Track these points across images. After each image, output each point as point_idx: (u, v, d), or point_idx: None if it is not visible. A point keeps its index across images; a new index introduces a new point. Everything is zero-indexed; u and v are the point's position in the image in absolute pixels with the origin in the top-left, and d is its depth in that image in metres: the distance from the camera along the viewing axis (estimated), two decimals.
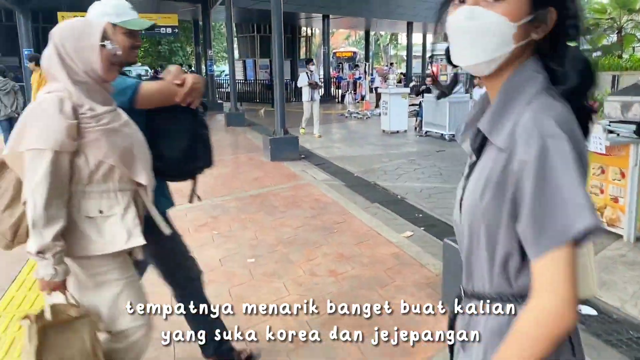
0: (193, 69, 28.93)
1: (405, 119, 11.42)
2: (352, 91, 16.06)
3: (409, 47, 27.17)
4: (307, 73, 10.63)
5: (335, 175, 6.91)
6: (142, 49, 40.01)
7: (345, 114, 15.66)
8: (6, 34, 18.68)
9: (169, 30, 15.75)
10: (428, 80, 11.76)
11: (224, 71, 39.80)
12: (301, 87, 10.95)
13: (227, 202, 5.58)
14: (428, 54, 35.79)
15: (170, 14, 15.96)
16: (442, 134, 10.30)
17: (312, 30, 29.42)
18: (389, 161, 7.94)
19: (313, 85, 10.60)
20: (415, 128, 11.68)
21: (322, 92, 15.86)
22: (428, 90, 11.33)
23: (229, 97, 24.27)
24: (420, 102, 11.48)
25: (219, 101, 19.54)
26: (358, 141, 10.26)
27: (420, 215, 5.04)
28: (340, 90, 21.97)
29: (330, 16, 22.23)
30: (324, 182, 6.50)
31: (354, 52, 41.49)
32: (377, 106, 16.77)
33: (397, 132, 11.34)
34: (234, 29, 26.51)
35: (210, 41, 18.21)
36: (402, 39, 60.96)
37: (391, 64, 27.76)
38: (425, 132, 10.64)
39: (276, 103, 8.31)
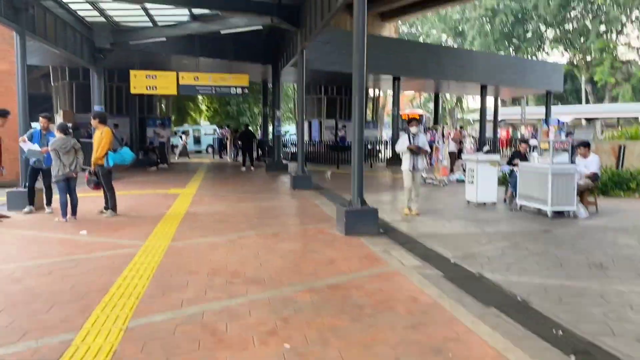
0: (258, 128, 29.02)
1: (495, 189, 10.08)
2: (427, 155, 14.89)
3: (482, 110, 25.93)
4: (408, 135, 8.85)
5: (427, 261, 5.67)
6: (211, 109, 41.18)
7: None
8: (82, 91, 19.20)
9: (239, 90, 15.46)
10: (522, 146, 10.42)
11: (288, 131, 40.11)
12: (400, 153, 9.07)
13: (299, 295, 4.46)
14: (500, 118, 34.40)
15: (241, 75, 15.75)
16: (539, 209, 8.87)
17: (378, 91, 28.94)
18: (489, 243, 6.61)
19: (415, 151, 8.74)
20: (505, 200, 10.30)
21: (428, 161, 14.71)
22: (522, 158, 10.00)
23: (293, 157, 23.91)
24: (512, 171, 10.14)
25: (284, 161, 18.94)
26: (443, 214, 8.99)
27: (561, 332, 3.69)
28: None
29: (402, 78, 21.58)
30: (416, 271, 5.27)
31: (421, 115, 40.79)
32: (451, 170, 15.54)
33: (485, 204, 9.99)
34: (297, 92, 26.51)
35: (279, 102, 17.84)
36: (468, 102, 60.18)
37: (461, 127, 26.58)
38: (520, 207, 9.23)
39: (354, 169, 7.29)
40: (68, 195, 8.27)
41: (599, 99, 50.33)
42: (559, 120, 34.58)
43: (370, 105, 28.60)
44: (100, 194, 8.97)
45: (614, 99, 48.00)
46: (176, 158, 26.72)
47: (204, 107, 42.60)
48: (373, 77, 22.58)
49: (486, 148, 20.11)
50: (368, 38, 19.37)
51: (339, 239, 6.79)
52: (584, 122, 41.17)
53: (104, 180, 8.73)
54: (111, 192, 8.81)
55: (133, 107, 20.75)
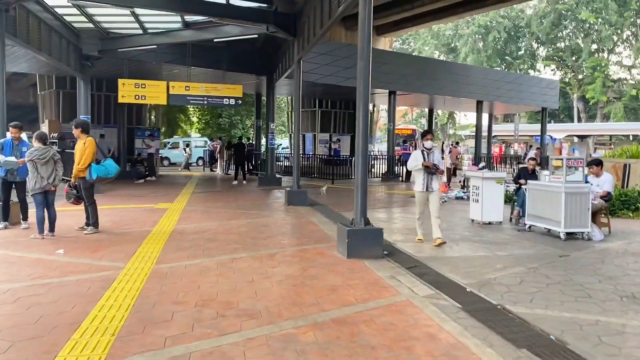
0: (252, 141, 28.45)
1: (501, 208, 9.57)
2: None
3: (478, 127, 25.59)
4: (423, 151, 7.71)
5: (440, 289, 5.11)
6: (203, 121, 40.59)
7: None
8: (69, 100, 18.56)
9: (232, 101, 14.92)
10: (530, 163, 9.96)
11: (281, 144, 39.57)
12: (411, 171, 8.32)
13: (301, 332, 3.87)
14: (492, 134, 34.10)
15: (235, 85, 15.22)
16: (549, 230, 8.38)
17: (373, 106, 28.55)
18: (503, 268, 6.07)
19: (431, 169, 7.51)
20: (511, 219, 9.80)
21: (444, 179, 14.06)
22: (530, 175, 9.52)
23: (286, 170, 23.35)
24: (519, 189, 9.66)
25: (277, 175, 18.37)
26: (448, 234, 8.43)
27: None
28: (404, 168, 20.48)
29: (397, 93, 21.19)
30: (430, 301, 4.71)
31: (413, 130, 40.49)
32: (447, 185, 15.06)
33: (490, 223, 9.48)
34: (294, 103, 26.07)
35: (273, 114, 17.32)
36: (459, 118, 60.22)
37: (457, 143, 26.28)
38: (529, 227, 8.72)
39: (357, 186, 6.74)
40: (45, 210, 7.64)
41: (591, 117, 50.50)
42: (551, 137, 34.49)
43: None
44: (81, 209, 8.35)
45: (606, 117, 48.17)
46: (180, 170, 26.20)
47: (195, 119, 42.01)
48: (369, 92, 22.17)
49: (482, 164, 19.72)
50: None
51: (340, 263, 6.22)
52: (575, 139, 41.15)
53: (85, 194, 8.12)
54: (93, 207, 8.18)
55: (121, 118, 20.13)
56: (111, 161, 8.52)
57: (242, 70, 16.63)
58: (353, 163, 21.89)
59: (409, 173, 20.94)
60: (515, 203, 9.73)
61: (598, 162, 8.78)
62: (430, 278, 5.56)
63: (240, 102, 15.03)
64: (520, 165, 12.54)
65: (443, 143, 13.93)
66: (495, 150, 35.97)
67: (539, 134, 33.20)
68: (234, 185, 17.60)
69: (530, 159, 10.30)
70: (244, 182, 18.28)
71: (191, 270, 5.73)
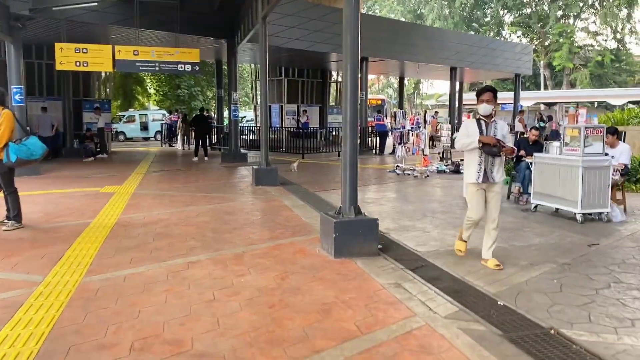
0: (211, 113, 26.61)
1: None
2: (404, 144, 13.18)
3: (452, 94, 24.45)
4: (479, 120, 4.91)
5: (464, 302, 3.87)
6: (160, 93, 38.15)
7: (397, 171, 12.75)
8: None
9: (189, 67, 13.19)
10: (532, 133, 8.79)
11: (245, 117, 37.67)
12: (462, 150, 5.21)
13: None
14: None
15: (191, 49, 13.46)
16: (557, 209, 7.30)
17: (343, 75, 27.02)
18: (530, 267, 4.88)
19: (493, 148, 4.74)
20: (509, 197, 8.70)
21: (407, 150, 12.65)
22: (532, 147, 8.38)
23: (251, 145, 21.75)
24: (519, 162, 8.53)
25: (242, 151, 16.83)
26: (445, 218, 7.23)
27: None
28: (378, 140, 19.26)
29: (370, 59, 19.74)
30: (457, 325, 3.46)
31: (383, 100, 39.24)
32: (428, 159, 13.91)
33: None
34: (257, 72, 24.28)
35: (236, 82, 15.65)
36: (425, 88, 59.38)
37: (436, 112, 25.22)
38: (535, 206, 7.61)
39: (344, 166, 5.38)
40: None
41: (557, 84, 50.36)
42: (521, 106, 33.84)
43: (333, 88, 26.75)
44: None
45: (572, 84, 48.06)
46: (82, 160, 24.12)
47: (152, 91, 39.49)
48: (337, 59, 20.70)
49: (456, 134, 18.64)
50: (333, 13, 17.39)
51: (327, 265, 4.90)
52: (542, 107, 40.84)
53: (2, 180, 6.51)
54: (13, 197, 6.58)
55: (66, 89, 18.01)
56: (35, 139, 6.88)
57: (199, 32, 14.82)
58: (322, 136, 20.56)
59: (382, 146, 19.78)
60: (515, 178, 8.61)
61: (613, 131, 7.69)
62: (446, 285, 4.32)
63: (197, 68, 13.30)
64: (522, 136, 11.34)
65: (426, 112, 12.68)
66: (464, 120, 35.14)
67: (511, 102, 32.58)
68: (194, 162, 15.98)
69: (533, 128, 9.12)
70: (206, 158, 16.66)
71: (132, 284, 4.30)
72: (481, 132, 4.84)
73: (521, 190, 8.38)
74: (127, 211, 7.64)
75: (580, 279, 4.51)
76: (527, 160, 8.29)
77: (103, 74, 21.61)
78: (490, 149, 4.75)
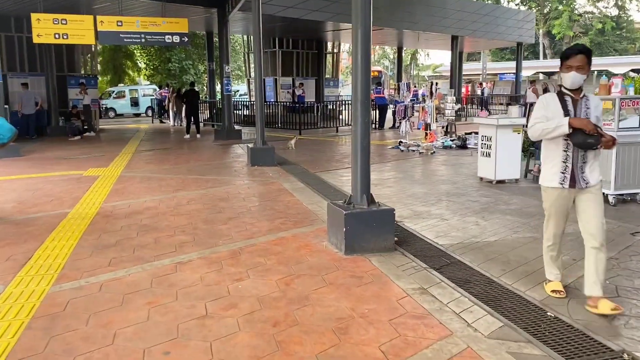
0: (205, 87, 25.63)
1: (518, 163, 7.77)
2: (408, 118, 12.43)
3: (453, 65, 23.55)
4: (562, 95, 3.44)
5: (507, 314, 3.22)
6: (151, 67, 36.90)
7: (400, 148, 12.05)
8: None
9: (177, 38, 12.29)
10: None
11: (238, 91, 36.61)
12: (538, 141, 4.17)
13: None
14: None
15: (179, 19, 12.54)
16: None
17: (339, 46, 25.99)
18: (573, 262, 4.23)
19: (589, 141, 3.24)
20: (527, 175, 8.05)
21: (412, 125, 11.70)
22: None
23: (245, 121, 20.91)
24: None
25: (236, 127, 16.01)
26: (461, 201, 6.56)
27: None
28: (377, 113, 18.46)
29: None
30: (507, 349, 2.80)
31: (379, 72, 38.13)
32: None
33: (503, 181, 7.69)
34: (250, 44, 23.21)
35: (228, 54, 14.74)
36: (421, 59, 58.05)
37: (436, 83, 24.24)
38: None
39: (355, 149, 4.66)
40: None
41: (556, 53, 49.28)
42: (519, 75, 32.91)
43: (330, 60, 25.76)
44: None
45: None
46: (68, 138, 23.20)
47: (142, 65, 38.18)
48: (333, 28, 19.73)
49: (458, 106, 17.88)
50: None
51: (338, 264, 4.23)
52: (541, 76, 40.00)
53: None
54: None
55: (49, 64, 17.05)
56: (4, 121, 6.14)
57: (187, 1, 13.84)
58: (318, 110, 19.72)
59: (382, 120, 19.01)
60: (534, 155, 7.93)
61: None
62: (480, 289, 3.66)
63: (186, 39, 12.41)
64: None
65: (432, 84, 11.86)
66: (541, 95, 34.16)
67: (511, 71, 31.69)
68: (186, 139, 15.20)
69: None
70: (198, 135, 15.87)
71: (108, 295, 3.62)
72: (567, 113, 3.34)
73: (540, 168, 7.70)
74: (111, 198, 6.93)
75: (636, 278, 3.86)
76: None
77: (93, 48, 20.54)
78: (584, 138, 3.22)
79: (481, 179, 7.95)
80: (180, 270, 4.13)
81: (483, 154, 7.87)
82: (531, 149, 8.10)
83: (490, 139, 7.68)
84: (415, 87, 18.31)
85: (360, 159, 4.60)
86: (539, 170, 7.57)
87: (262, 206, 6.46)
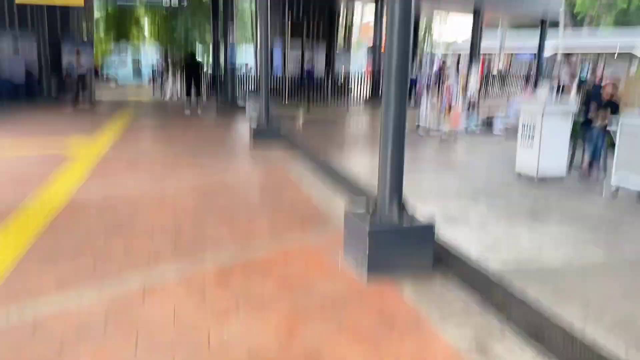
0: (209, 58, 24.29)
1: (565, 156, 6.63)
2: (430, 98, 11.20)
3: (474, 43, 22.09)
4: None
5: None
6: (156, 25, 34.87)
7: (420, 133, 10.87)
8: None
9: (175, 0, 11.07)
10: (608, 88, 6.85)
11: (247, 64, 35.15)
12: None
13: None
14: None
15: None
16: None
17: (352, 17, 24.55)
18: None
19: None
20: (571, 169, 6.91)
21: (439, 106, 10.50)
22: (605, 106, 6.50)
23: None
24: (588, 125, 6.68)
25: (241, 103, 14.83)
26: (499, 204, 5.44)
27: None
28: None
29: None
30: None
31: None
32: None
33: (544, 179, 6.56)
34: (255, 12, 21.76)
35: (233, 21, 13.49)
36: (436, 34, 56.07)
37: (444, 60, 22.97)
38: (617, 188, 5.81)
39: (386, 145, 3.54)
40: None
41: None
42: (533, 55, 31.23)
43: (342, 31, 24.35)
44: None
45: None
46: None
47: (147, 34, 36.46)
48: None
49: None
50: None
51: (359, 295, 3.18)
52: (558, 57, 38.30)
53: None
54: None
55: (40, 25, 15.83)
56: None
57: None
58: (327, 85, 18.48)
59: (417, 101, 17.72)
60: (584, 148, 6.79)
61: None
62: (562, 345, 2.60)
63: (185, 2, 11.18)
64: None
65: (459, 58, 10.65)
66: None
67: (532, 51, 30.08)
68: (186, 115, 14.06)
69: (609, 84, 7.10)
70: (199, 111, 14.72)
71: (41, 342, 2.59)
72: None
73: (592, 164, 6.59)
74: (88, 184, 5.88)
75: None
76: (599, 123, 6.46)
77: (96, 12, 19.22)
78: None
79: (519, 174, 6.81)
80: (149, 297, 3.09)
81: (527, 145, 6.70)
82: (583, 140, 6.94)
83: (533, 128, 6.53)
84: (442, 60, 16.88)
85: (390, 157, 3.49)
86: (589, 166, 6.47)
87: (262, 201, 5.40)
